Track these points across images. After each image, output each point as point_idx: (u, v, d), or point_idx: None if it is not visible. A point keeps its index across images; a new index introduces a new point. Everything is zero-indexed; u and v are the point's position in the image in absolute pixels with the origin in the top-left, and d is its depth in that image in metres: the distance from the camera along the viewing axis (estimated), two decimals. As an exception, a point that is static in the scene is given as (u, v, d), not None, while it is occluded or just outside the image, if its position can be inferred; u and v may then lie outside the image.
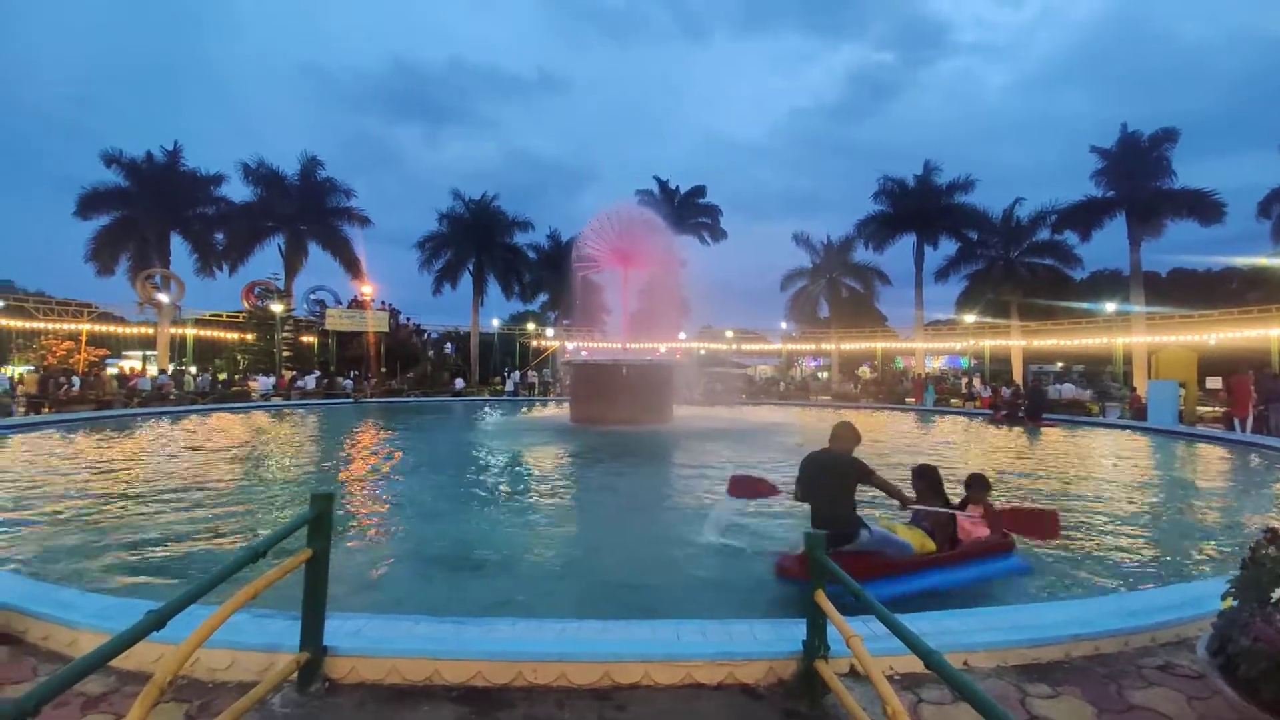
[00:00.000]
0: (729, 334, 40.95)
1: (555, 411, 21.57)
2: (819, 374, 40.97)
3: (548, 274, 36.75)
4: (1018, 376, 29.60)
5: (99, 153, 27.74)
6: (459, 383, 32.02)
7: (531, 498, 7.41)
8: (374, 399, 26.71)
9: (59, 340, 27.54)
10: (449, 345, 39.70)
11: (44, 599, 3.05)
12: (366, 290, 31.95)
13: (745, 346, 42.17)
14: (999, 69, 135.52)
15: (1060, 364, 34.60)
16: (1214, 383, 20.82)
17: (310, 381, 27.60)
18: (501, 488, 8.05)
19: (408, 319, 36.81)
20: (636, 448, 11.89)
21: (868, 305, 37.66)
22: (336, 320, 31.17)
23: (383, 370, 31.22)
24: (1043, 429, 16.58)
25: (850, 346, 37.74)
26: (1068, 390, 23.65)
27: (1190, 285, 33.88)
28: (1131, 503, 7.39)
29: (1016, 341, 31.17)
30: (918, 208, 32.05)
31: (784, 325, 39.25)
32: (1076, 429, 16.98)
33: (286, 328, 30.62)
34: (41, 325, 26.87)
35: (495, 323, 40.15)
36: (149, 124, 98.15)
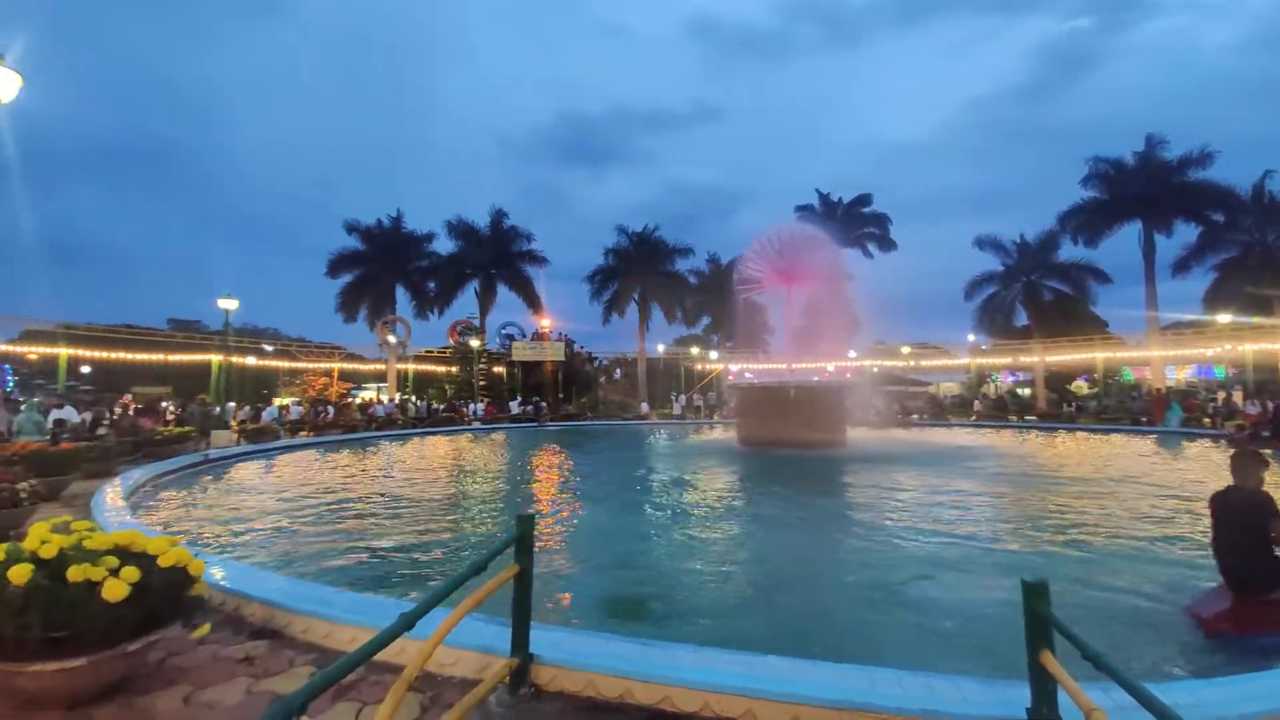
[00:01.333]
0: (905, 349, 37.80)
1: (722, 435, 21.55)
2: (1017, 390, 36.00)
3: (709, 298, 37.22)
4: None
5: (342, 222, 34.28)
6: (643, 406, 33.38)
7: (706, 520, 7.48)
8: (554, 423, 28.99)
9: (317, 377, 34.01)
10: (618, 371, 41.83)
11: (304, 596, 3.64)
12: (545, 323, 35.07)
13: (925, 363, 38.58)
14: (1216, 27, 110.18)
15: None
16: None
17: (514, 407, 30.88)
18: (676, 510, 8.23)
19: (581, 347, 39.53)
20: (810, 472, 11.44)
21: (1080, 309, 32.24)
22: (521, 352, 34.54)
23: (560, 396, 33.83)
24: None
25: (1060, 358, 32.49)
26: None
27: None
28: None
29: (1299, 344, 24.55)
30: (1142, 190, 26.95)
31: (971, 337, 35.20)
32: None
33: (482, 360, 34.68)
34: (303, 365, 33.46)
35: (660, 348, 41.50)
36: (376, 197, 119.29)
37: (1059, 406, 28.64)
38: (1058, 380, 33.45)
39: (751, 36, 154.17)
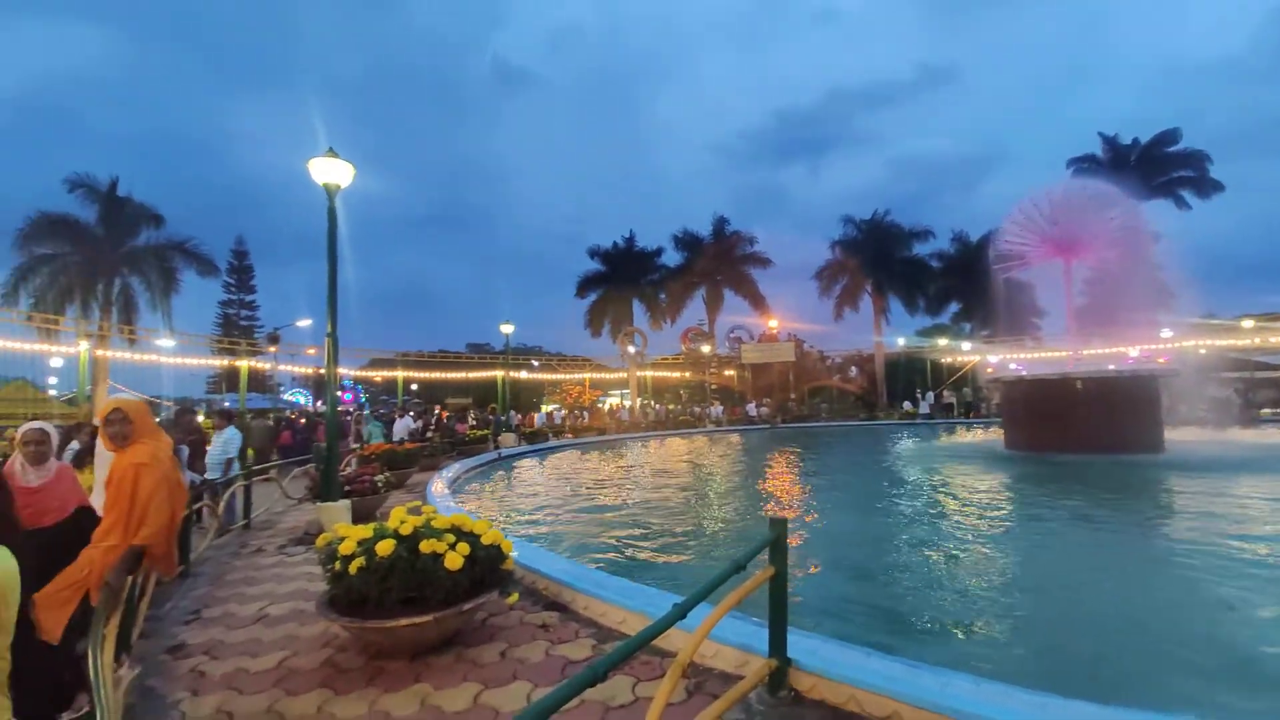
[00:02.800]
0: (1247, 324, 28.64)
1: (982, 437, 18.89)
2: None
3: (956, 281, 32.96)
4: None
5: (586, 249, 38.71)
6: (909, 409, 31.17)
7: (968, 537, 6.62)
8: (786, 424, 28.48)
9: (573, 386, 38.63)
10: (853, 369, 39.41)
11: (584, 578, 4.16)
12: (772, 324, 34.70)
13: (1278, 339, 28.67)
14: None
15: None
16: None
17: (751, 409, 31.43)
18: (928, 522, 7.45)
19: (811, 346, 38.20)
20: (1107, 486, 9.34)
21: None
22: (750, 354, 34.69)
23: (791, 397, 33.10)
24: None
25: None
26: None
27: None
28: None
29: None
30: None
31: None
32: None
33: (712, 364, 35.73)
34: (561, 376, 38.26)
35: (900, 342, 37.95)
36: (616, 222, 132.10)
37: None
38: None
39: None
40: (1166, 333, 22.22)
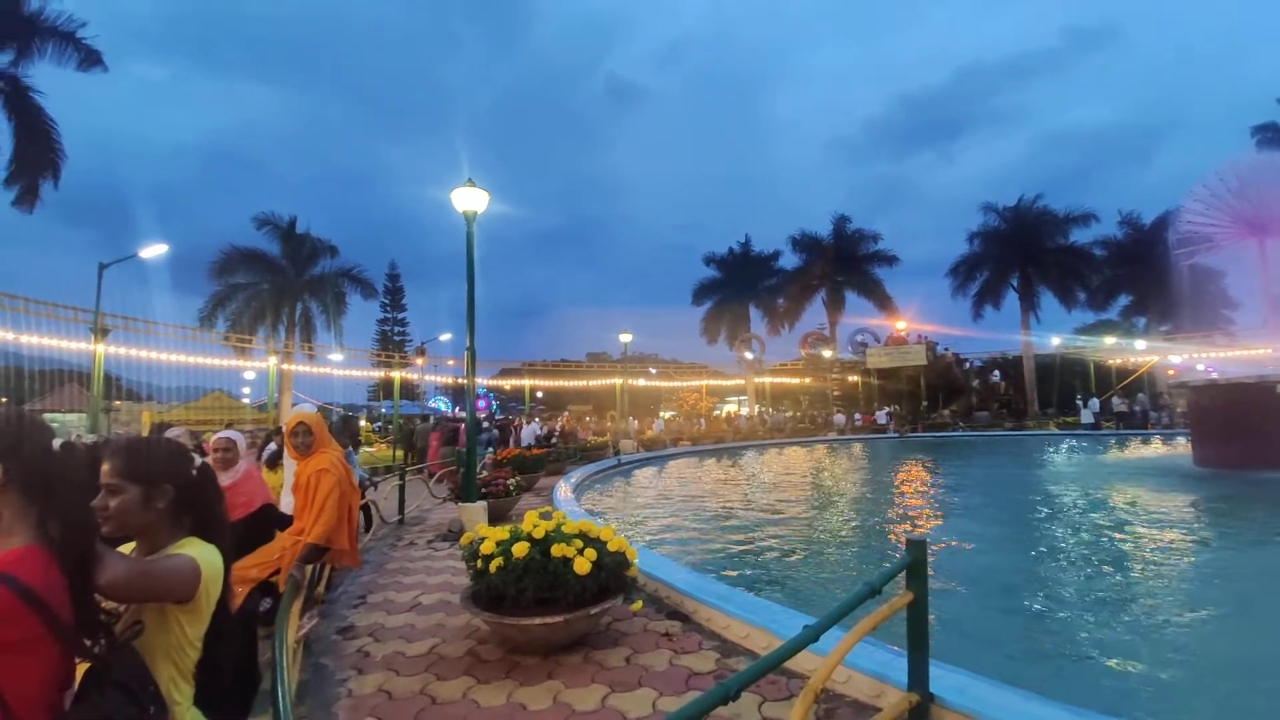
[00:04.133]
0: None
1: (1164, 451, 16.32)
2: None
3: (1126, 271, 28.86)
4: None
5: (701, 256, 38.68)
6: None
7: (1154, 570, 5.74)
8: (917, 433, 26.46)
9: (690, 393, 38.70)
10: (995, 373, 35.79)
11: (707, 590, 4.12)
12: (900, 325, 32.50)
13: None
14: None
15: None
16: None
17: (882, 417, 29.81)
18: (1102, 543, 6.55)
19: (945, 349, 35.26)
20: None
21: None
22: (877, 358, 32.76)
23: (924, 404, 30.73)
24: None
25: None
26: None
27: None
28: None
29: None
30: None
31: None
32: None
33: (835, 370, 34.16)
34: (678, 383, 38.45)
35: (1055, 341, 33.80)
36: (731, 227, 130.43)
37: None
38: None
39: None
40: None
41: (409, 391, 36.50)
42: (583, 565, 3.32)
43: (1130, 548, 6.47)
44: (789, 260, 37.16)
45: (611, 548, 3.52)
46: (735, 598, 3.99)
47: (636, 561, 3.76)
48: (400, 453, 16.81)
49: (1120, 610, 4.56)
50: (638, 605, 4.11)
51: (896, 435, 26.40)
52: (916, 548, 2.42)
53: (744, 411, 35.38)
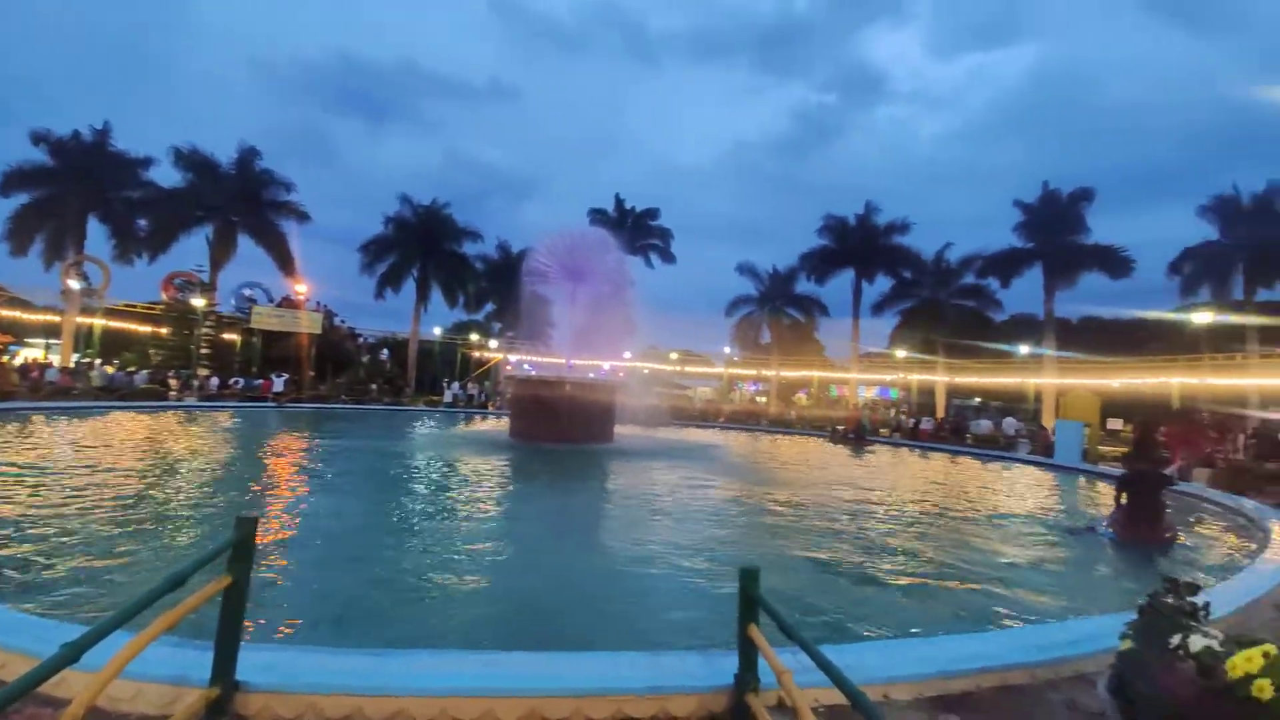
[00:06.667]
0: (673, 355, 41.36)
1: (494, 426, 21.15)
2: (757, 399, 41.91)
3: (495, 285, 36.19)
4: (940, 410, 31.33)
5: (27, 131, 26.01)
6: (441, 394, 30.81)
7: (459, 519, 7.22)
8: (297, 403, 25.36)
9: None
10: (385, 351, 38.36)
11: None
12: (301, 289, 30.54)
13: (689, 369, 42.72)
14: (934, 118, 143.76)
15: (978, 399, 36.80)
16: (1115, 424, 23.32)
17: (280, 383, 26.11)
18: (427, 508, 7.81)
19: (342, 321, 35.39)
20: (577, 467, 11.80)
21: (808, 334, 39.05)
22: (265, 319, 29.60)
23: (311, 374, 29.77)
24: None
25: (790, 374, 38.94)
26: (984, 425, 25.18)
27: (1099, 333, 36.38)
28: (1033, 533, 7.88)
29: (942, 377, 32.99)
30: (858, 245, 33.67)
31: (727, 350, 40.07)
32: (988, 462, 18.11)
33: (208, 323, 28.78)
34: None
35: (437, 331, 39.10)
36: (87, 109, 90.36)
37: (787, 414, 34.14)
38: (786, 391, 39.79)
39: (553, 27, 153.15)
40: (627, 354, 29.74)
41: None
42: None
43: (452, 502, 8.04)
44: (167, 175, 29.29)
45: None
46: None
47: None
48: None
49: (441, 554, 5.51)
50: None
51: (273, 404, 24.53)
52: (245, 525, 2.19)
53: (55, 360, 25.40)
